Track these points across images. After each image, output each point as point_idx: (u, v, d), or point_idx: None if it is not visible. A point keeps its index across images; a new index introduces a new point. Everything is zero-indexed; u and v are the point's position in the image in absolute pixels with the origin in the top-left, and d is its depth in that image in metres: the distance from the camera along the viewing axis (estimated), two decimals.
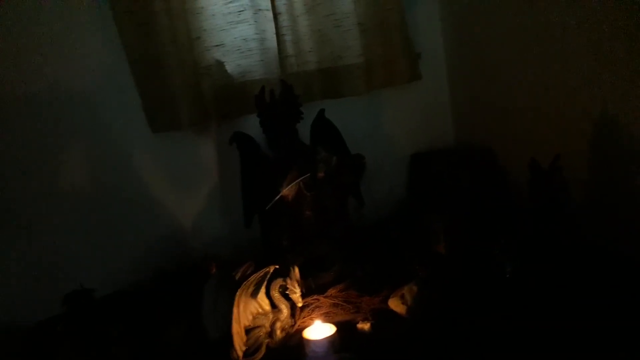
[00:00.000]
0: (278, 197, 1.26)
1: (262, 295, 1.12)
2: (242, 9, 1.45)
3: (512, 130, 1.55)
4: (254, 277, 1.10)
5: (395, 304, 1.16)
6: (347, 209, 1.43)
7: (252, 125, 1.39)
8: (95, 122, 1.36)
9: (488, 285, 1.13)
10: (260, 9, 1.46)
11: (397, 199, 1.76)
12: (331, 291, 1.27)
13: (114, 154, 1.40)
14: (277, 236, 1.33)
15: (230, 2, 1.43)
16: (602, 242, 1.20)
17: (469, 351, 0.96)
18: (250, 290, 1.10)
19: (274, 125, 1.31)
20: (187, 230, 1.51)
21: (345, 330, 1.07)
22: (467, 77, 1.73)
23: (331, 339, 1.02)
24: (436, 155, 1.75)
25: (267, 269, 1.12)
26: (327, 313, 1.18)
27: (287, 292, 1.15)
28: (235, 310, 1.05)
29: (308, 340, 1.03)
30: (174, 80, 1.37)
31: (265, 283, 1.12)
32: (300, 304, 1.17)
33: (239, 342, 1.05)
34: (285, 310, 1.13)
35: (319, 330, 1.05)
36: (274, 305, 1.14)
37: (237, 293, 1.06)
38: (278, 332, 1.10)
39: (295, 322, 1.16)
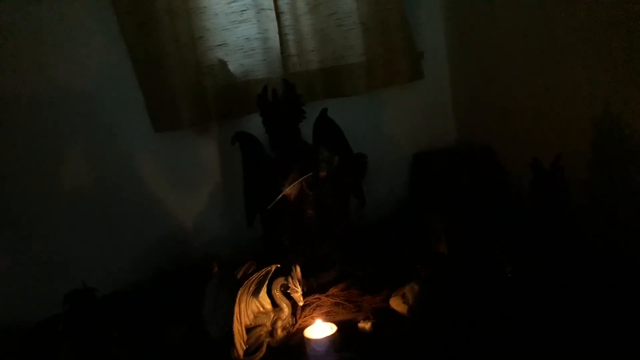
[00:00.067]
0: (280, 196, 1.25)
1: (263, 294, 1.12)
2: (244, 9, 1.45)
3: (512, 130, 1.56)
4: (255, 276, 1.10)
5: (396, 304, 1.16)
6: (349, 208, 1.43)
7: (253, 125, 1.39)
8: (96, 122, 1.36)
9: (488, 285, 1.14)
10: (262, 9, 1.46)
11: (397, 198, 1.76)
12: (332, 290, 1.27)
13: (114, 154, 1.40)
14: (278, 235, 1.33)
15: (233, 1, 1.43)
16: (602, 242, 1.21)
17: (469, 351, 0.96)
18: (252, 289, 1.10)
19: (277, 125, 1.31)
20: (187, 230, 1.51)
21: (346, 329, 1.07)
22: (468, 77, 1.73)
23: (332, 338, 1.02)
24: (437, 155, 1.75)
25: (269, 268, 1.12)
26: (328, 312, 1.18)
27: (288, 291, 1.15)
28: (236, 308, 1.05)
29: (309, 339, 1.03)
30: (176, 79, 1.37)
31: (266, 282, 1.12)
32: (301, 303, 1.17)
33: (240, 341, 1.05)
34: (286, 309, 1.13)
35: (320, 330, 1.05)
36: (275, 304, 1.14)
37: (239, 291, 1.06)
38: (279, 331, 1.10)
39: (296, 321, 1.16)
